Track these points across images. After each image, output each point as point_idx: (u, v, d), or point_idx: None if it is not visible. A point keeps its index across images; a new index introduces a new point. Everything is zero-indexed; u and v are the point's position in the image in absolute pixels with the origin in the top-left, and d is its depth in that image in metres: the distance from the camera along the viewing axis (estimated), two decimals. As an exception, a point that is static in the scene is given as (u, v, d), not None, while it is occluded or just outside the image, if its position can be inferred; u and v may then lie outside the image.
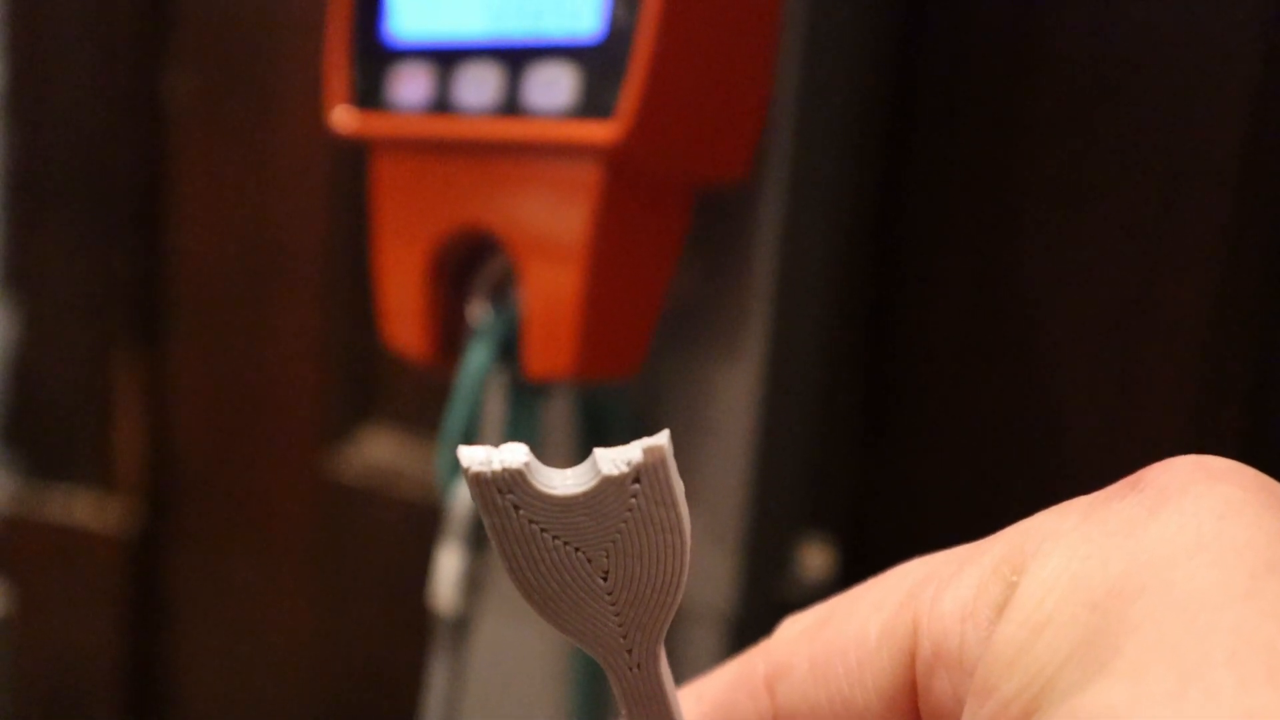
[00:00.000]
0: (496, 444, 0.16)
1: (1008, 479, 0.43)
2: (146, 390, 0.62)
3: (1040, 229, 0.40)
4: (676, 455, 0.16)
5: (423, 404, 0.56)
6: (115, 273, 0.62)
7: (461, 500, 0.33)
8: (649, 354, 0.35)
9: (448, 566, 0.33)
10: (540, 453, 0.34)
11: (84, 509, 0.63)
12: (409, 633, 0.57)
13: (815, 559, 0.45)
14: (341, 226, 0.56)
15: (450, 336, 0.34)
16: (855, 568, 0.45)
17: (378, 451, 0.57)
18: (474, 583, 0.33)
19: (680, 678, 0.39)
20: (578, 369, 0.32)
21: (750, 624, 0.39)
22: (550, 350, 0.32)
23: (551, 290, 0.32)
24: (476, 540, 0.33)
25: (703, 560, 0.37)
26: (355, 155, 0.56)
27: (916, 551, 0.46)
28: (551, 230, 0.31)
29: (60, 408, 0.65)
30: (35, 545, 0.64)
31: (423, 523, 0.56)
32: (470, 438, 0.33)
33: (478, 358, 0.33)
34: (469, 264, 0.34)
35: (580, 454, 0.38)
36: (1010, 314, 0.43)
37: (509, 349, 0.33)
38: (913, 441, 0.45)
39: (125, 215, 0.62)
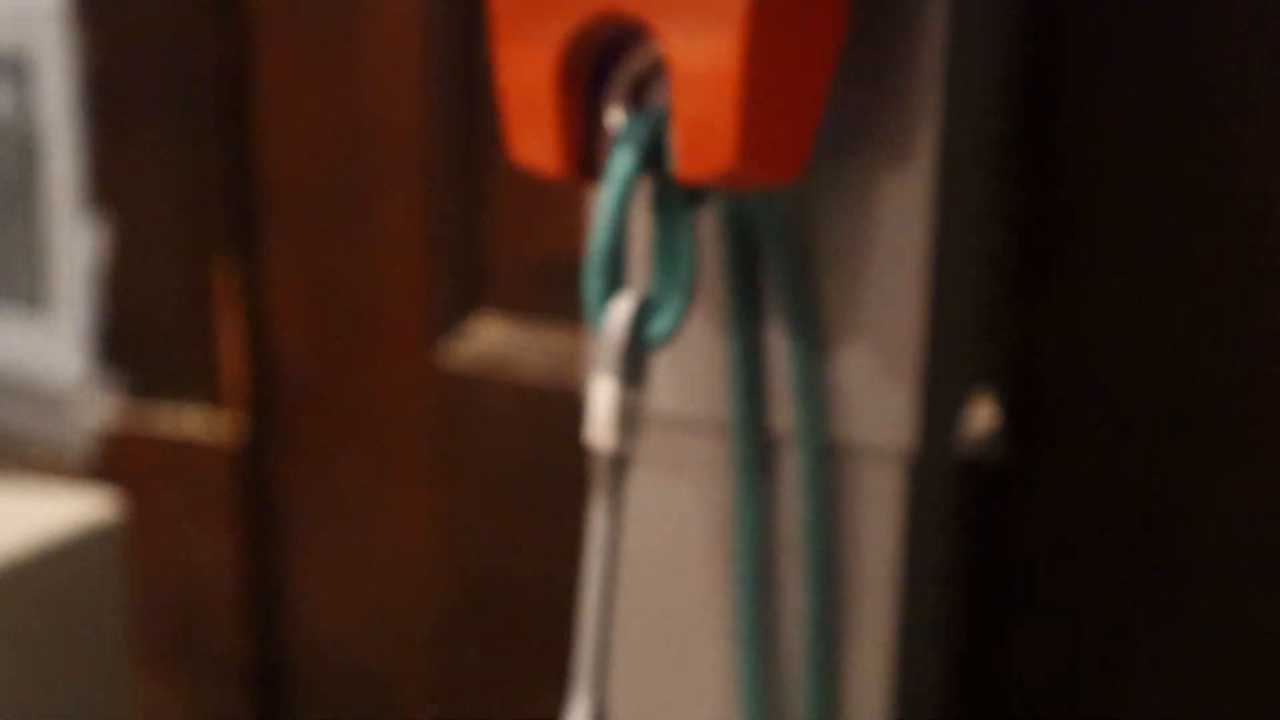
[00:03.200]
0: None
1: (1179, 330, 0.39)
2: (246, 297, 0.59)
3: None
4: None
5: (532, 289, 0.53)
6: (206, 178, 0.60)
7: (610, 329, 0.30)
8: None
9: (602, 397, 0.29)
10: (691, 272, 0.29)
11: (191, 422, 0.61)
12: (531, 527, 0.54)
13: (979, 413, 0.42)
14: (439, 106, 0.53)
15: (587, 145, 0.31)
16: (1019, 423, 0.42)
17: (489, 341, 0.54)
18: (629, 418, 0.30)
19: (863, 517, 0.35)
20: (738, 166, 0.28)
21: (929, 466, 0.35)
22: (706, 147, 0.28)
23: (706, 77, 0.28)
24: (630, 373, 0.30)
25: (878, 395, 0.34)
26: (450, 29, 0.53)
27: (1082, 409, 0.41)
28: (704, 5, 0.28)
29: (159, 323, 0.63)
30: (146, 460, 0.62)
31: (541, 409, 0.53)
32: (617, 257, 0.30)
33: (622, 165, 0.29)
34: (605, 61, 0.30)
35: (729, 272, 0.34)
36: (1194, 125, 0.38)
37: (654, 155, 0.30)
38: (1078, 291, 0.41)
39: (212, 117, 0.59)
